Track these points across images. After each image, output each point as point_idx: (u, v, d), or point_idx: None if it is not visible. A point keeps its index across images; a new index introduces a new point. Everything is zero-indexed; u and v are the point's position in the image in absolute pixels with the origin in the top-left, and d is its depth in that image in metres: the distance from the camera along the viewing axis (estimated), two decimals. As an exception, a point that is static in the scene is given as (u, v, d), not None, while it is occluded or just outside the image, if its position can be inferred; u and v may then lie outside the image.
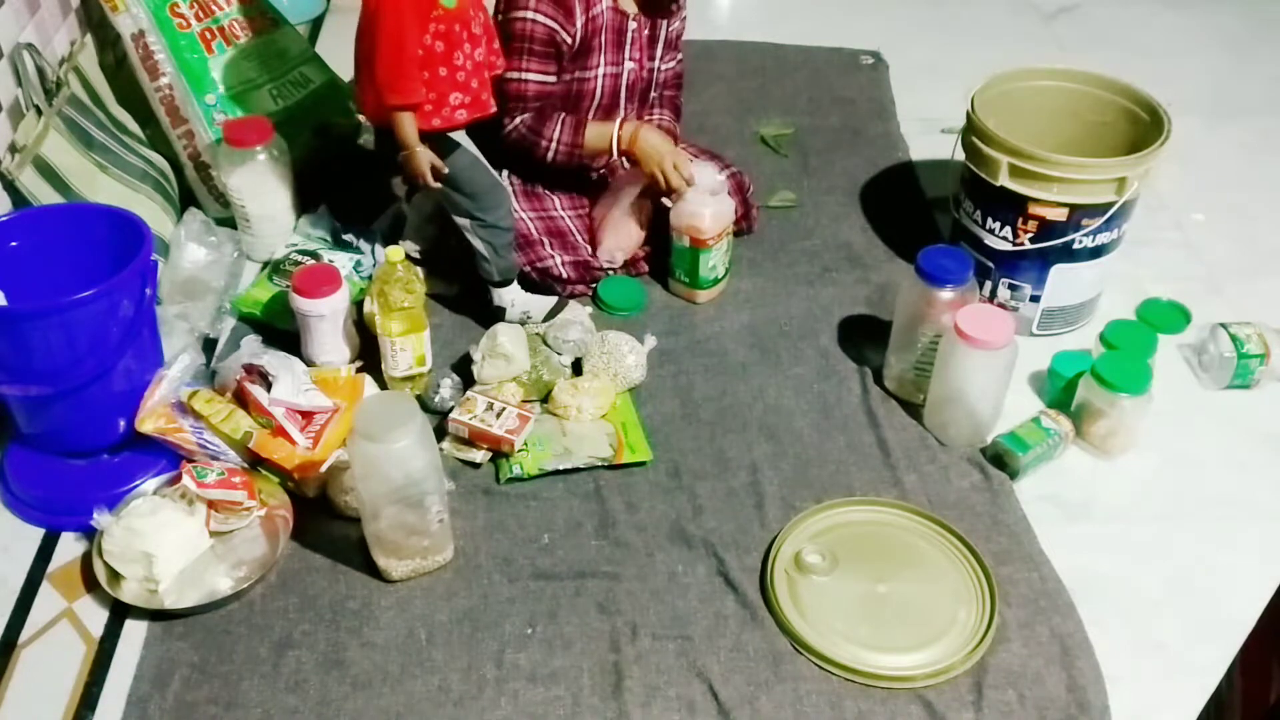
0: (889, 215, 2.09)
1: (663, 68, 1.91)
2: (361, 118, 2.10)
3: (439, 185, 1.62)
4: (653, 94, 1.92)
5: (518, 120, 1.77)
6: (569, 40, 1.73)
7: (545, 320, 1.72)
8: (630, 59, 1.83)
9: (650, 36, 1.84)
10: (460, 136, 1.65)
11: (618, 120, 1.81)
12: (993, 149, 1.70)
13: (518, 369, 1.63)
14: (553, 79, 1.76)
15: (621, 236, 1.86)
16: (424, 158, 1.58)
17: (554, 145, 1.78)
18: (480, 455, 1.56)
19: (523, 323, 1.74)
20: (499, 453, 1.56)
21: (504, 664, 1.32)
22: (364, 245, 1.88)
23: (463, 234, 1.71)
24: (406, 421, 1.28)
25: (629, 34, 1.81)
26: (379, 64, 1.52)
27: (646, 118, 1.92)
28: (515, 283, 1.77)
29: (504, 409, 1.56)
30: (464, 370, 1.67)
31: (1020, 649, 1.34)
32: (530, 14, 1.69)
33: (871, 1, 2.85)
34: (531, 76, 1.74)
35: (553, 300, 1.77)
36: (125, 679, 1.30)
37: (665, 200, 1.84)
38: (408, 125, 1.55)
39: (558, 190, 1.91)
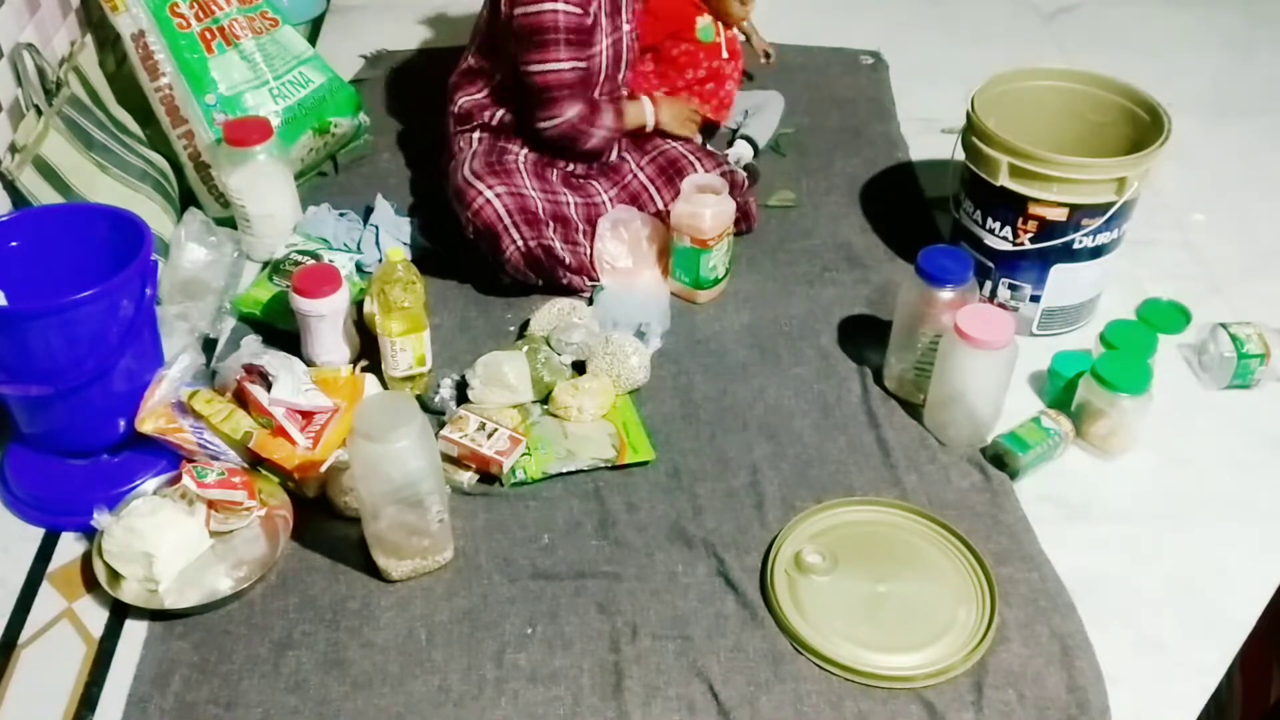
0: (889, 215, 2.08)
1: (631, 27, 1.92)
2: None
3: None
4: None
5: (568, 114, 1.79)
6: (589, 21, 1.76)
7: None
8: (627, 22, 1.84)
9: None
10: None
11: (644, 99, 1.90)
12: (993, 149, 1.70)
13: (520, 399, 1.62)
14: (583, 65, 1.78)
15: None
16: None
17: (603, 132, 1.82)
18: (466, 478, 1.52)
19: None
20: (487, 474, 1.53)
21: (504, 664, 1.32)
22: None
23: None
24: (406, 421, 1.28)
25: None
26: None
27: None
28: None
29: (495, 430, 1.53)
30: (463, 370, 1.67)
31: (1020, 649, 1.34)
32: (559, 4, 1.72)
33: (871, 1, 2.85)
34: (566, 66, 1.76)
35: None
36: (125, 679, 1.30)
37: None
38: None
39: (567, 182, 1.90)
